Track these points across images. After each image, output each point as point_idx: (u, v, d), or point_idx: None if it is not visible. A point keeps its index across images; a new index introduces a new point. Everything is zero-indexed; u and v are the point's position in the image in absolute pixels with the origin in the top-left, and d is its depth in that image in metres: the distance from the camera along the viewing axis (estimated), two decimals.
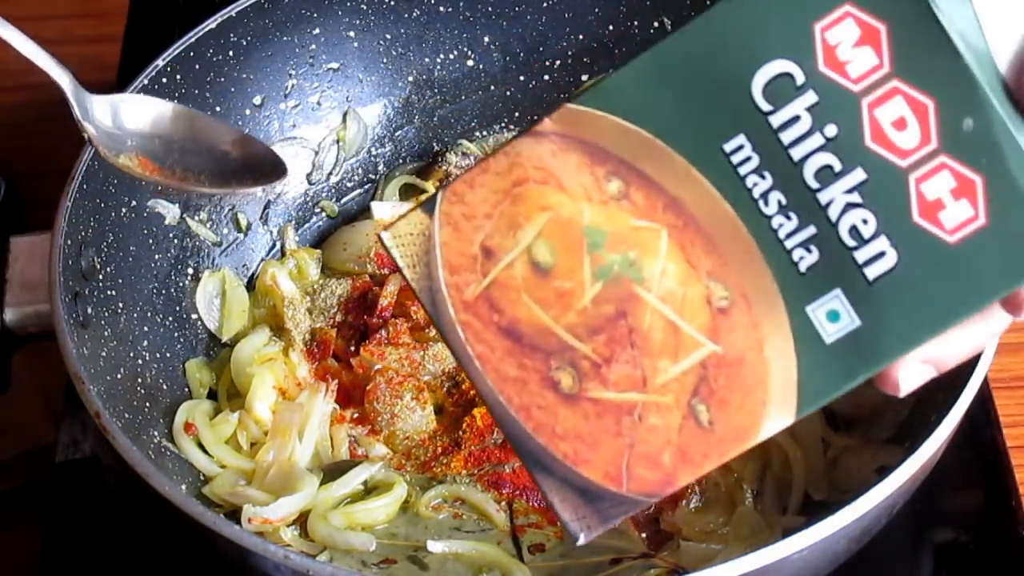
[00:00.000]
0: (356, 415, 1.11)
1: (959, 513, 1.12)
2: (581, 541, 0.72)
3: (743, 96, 0.65)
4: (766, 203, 0.66)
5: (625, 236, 0.69)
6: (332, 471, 1.07)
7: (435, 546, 1.03)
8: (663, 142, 0.67)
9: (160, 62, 1.12)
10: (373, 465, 1.08)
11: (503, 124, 1.32)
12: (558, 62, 1.30)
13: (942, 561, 1.09)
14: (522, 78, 1.31)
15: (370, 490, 1.08)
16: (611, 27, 1.28)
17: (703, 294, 0.68)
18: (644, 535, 1.04)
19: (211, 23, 1.15)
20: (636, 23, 1.27)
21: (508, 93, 1.31)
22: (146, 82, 1.11)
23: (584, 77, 1.30)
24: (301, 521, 1.04)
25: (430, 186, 1.28)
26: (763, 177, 0.65)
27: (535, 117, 1.31)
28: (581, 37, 1.29)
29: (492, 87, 1.31)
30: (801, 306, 0.66)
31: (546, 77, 1.31)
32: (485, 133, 1.32)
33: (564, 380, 0.71)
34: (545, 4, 1.28)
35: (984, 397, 1.15)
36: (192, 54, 1.15)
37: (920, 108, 0.63)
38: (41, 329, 1.05)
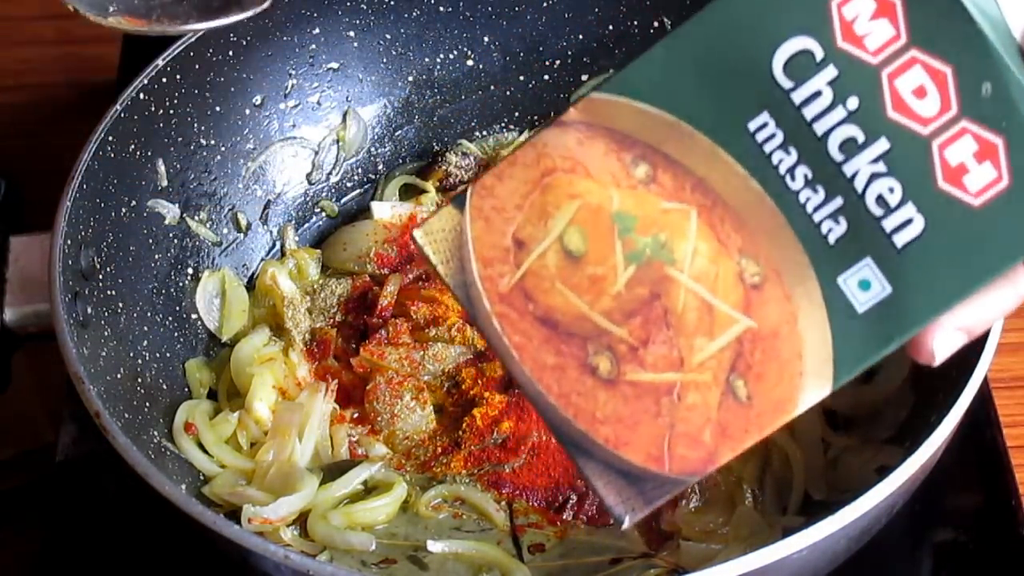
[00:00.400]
0: (356, 415, 1.11)
1: (959, 513, 1.12)
2: (626, 524, 0.73)
3: (764, 75, 0.66)
4: (792, 178, 0.67)
5: (655, 219, 0.70)
6: (332, 471, 1.07)
7: (435, 546, 1.03)
8: (687, 124, 0.68)
9: (160, 62, 1.12)
10: (373, 465, 1.08)
11: (503, 124, 1.32)
12: (558, 62, 1.30)
13: (942, 561, 1.09)
14: (522, 78, 1.31)
15: (370, 490, 1.08)
16: (611, 27, 1.28)
17: (735, 271, 0.69)
18: (644, 535, 1.04)
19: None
20: (636, 23, 1.27)
21: (508, 93, 1.31)
22: (146, 82, 1.11)
23: (584, 77, 1.30)
24: (301, 521, 1.04)
25: (430, 186, 1.28)
26: (788, 153, 0.67)
27: (535, 117, 1.32)
28: (581, 37, 1.29)
29: (492, 87, 1.31)
30: (832, 277, 0.67)
31: (546, 77, 1.31)
32: (485, 133, 1.32)
33: (602, 365, 0.71)
34: (545, 4, 1.28)
35: (984, 397, 1.15)
36: (192, 54, 1.15)
37: (939, 76, 0.64)
38: (41, 329, 1.05)
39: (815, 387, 0.69)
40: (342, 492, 1.06)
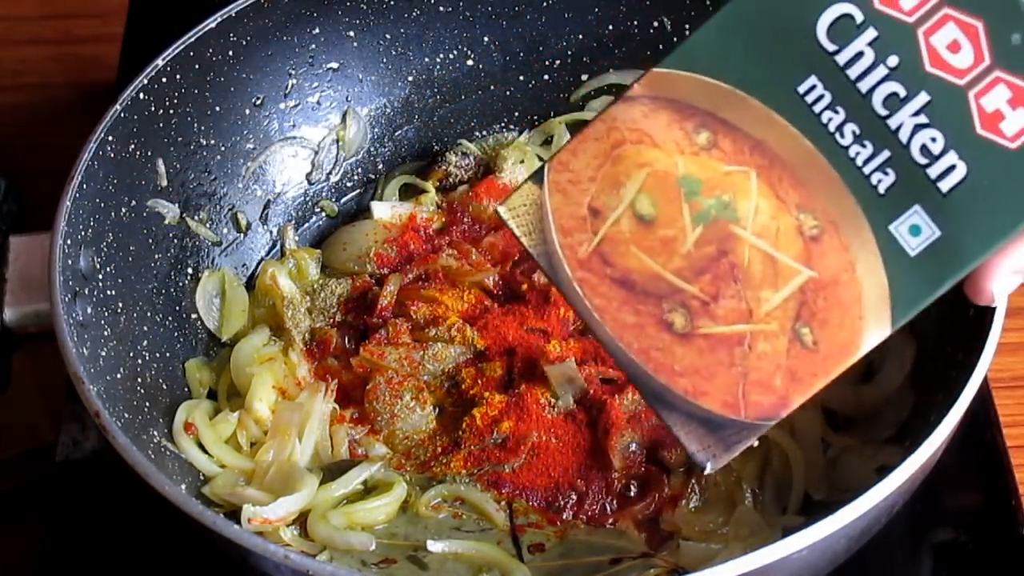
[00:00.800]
0: (356, 415, 1.11)
1: (959, 513, 1.12)
2: (709, 470, 0.79)
3: (810, 40, 0.72)
4: (842, 135, 0.72)
5: (718, 181, 0.75)
6: (332, 471, 1.07)
7: (435, 546, 1.03)
8: (743, 92, 0.74)
9: (160, 62, 1.12)
10: (373, 465, 1.08)
11: (503, 124, 1.32)
12: (558, 62, 1.30)
13: (942, 561, 1.09)
14: (522, 78, 1.31)
15: (370, 490, 1.08)
16: (611, 27, 1.28)
17: (795, 225, 0.74)
18: (644, 535, 1.04)
19: (211, 23, 1.15)
20: (636, 23, 1.27)
21: (508, 93, 1.31)
22: (146, 82, 1.11)
23: (584, 77, 1.30)
24: (301, 521, 1.04)
25: (430, 186, 1.28)
26: (836, 112, 0.72)
27: (535, 117, 1.32)
28: (581, 37, 1.29)
29: (492, 87, 1.31)
30: (885, 225, 0.72)
31: (546, 77, 1.31)
32: (485, 133, 1.32)
33: (677, 320, 0.77)
34: (545, 4, 1.28)
35: (984, 397, 1.15)
36: (192, 54, 1.15)
37: (971, 30, 0.69)
38: (41, 329, 1.05)
39: (875, 329, 0.73)
40: (342, 492, 1.06)
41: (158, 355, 1.10)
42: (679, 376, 0.77)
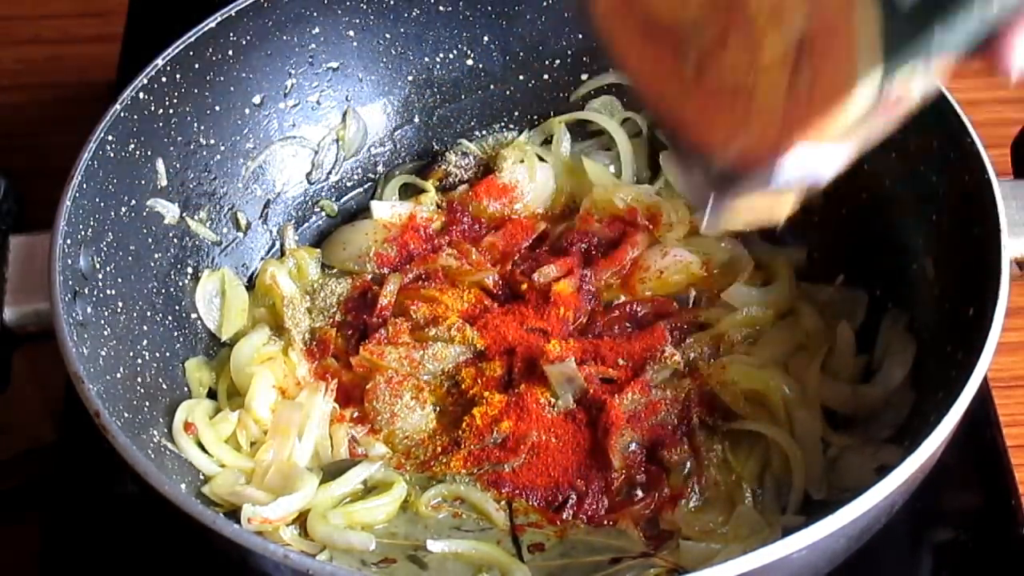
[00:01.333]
0: (356, 414, 1.11)
1: (959, 513, 1.12)
2: (705, 228, 0.81)
3: None
4: None
5: None
6: (332, 470, 1.07)
7: (435, 545, 1.03)
8: None
9: (160, 62, 1.12)
10: (373, 464, 1.08)
11: (503, 123, 1.32)
12: (558, 62, 1.30)
13: (942, 561, 1.10)
14: (522, 77, 1.31)
15: (370, 489, 1.08)
16: None
17: None
18: (644, 535, 1.04)
19: (211, 23, 1.15)
20: None
21: (508, 92, 1.31)
22: (146, 81, 1.11)
23: (584, 77, 1.30)
24: (301, 520, 1.04)
25: (429, 185, 1.28)
26: None
27: (535, 117, 1.32)
28: (581, 37, 1.29)
29: (492, 86, 1.31)
30: None
31: (546, 77, 1.31)
32: (484, 132, 1.32)
33: (688, 66, 0.78)
34: (545, 4, 1.28)
35: (984, 397, 1.15)
36: (192, 54, 1.15)
37: None
38: (41, 329, 1.05)
39: (867, 74, 0.72)
40: (342, 491, 1.06)
41: (158, 355, 1.10)
42: (686, 120, 0.78)
